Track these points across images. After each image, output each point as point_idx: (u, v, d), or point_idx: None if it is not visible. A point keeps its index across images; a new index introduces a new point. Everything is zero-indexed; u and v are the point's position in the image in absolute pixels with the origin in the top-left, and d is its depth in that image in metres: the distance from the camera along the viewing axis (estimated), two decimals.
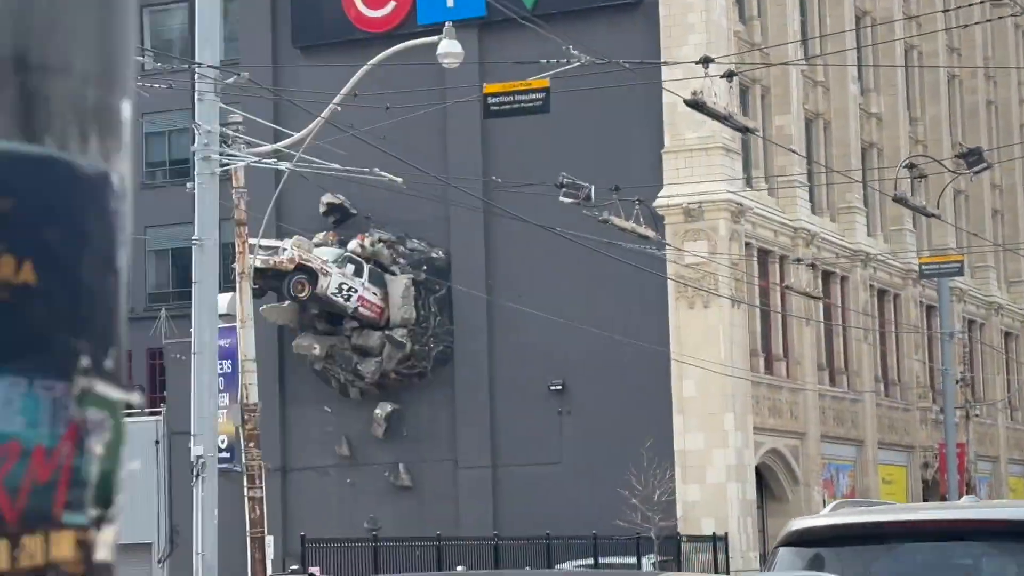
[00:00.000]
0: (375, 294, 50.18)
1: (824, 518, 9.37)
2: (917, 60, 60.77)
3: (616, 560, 41.44)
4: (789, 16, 51.97)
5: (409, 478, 51.22)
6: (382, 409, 51.20)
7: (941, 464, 47.33)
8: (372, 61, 29.53)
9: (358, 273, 49.88)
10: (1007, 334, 67.29)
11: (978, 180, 50.01)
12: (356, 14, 48.92)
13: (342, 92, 29.10)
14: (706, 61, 30.45)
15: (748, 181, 49.53)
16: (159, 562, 47.71)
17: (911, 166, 45.44)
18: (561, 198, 34.61)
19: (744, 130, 36.46)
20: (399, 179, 31.71)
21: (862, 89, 57.27)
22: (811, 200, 52.75)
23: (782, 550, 8.91)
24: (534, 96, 29.87)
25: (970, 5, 49.80)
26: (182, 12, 62.38)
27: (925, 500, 51.17)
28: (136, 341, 56.22)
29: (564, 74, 29.76)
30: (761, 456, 49.02)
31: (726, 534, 44.63)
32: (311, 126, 29.27)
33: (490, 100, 30.58)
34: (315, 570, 36.11)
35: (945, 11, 58.32)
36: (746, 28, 50.11)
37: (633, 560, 41.17)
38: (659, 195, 46.28)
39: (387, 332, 50.87)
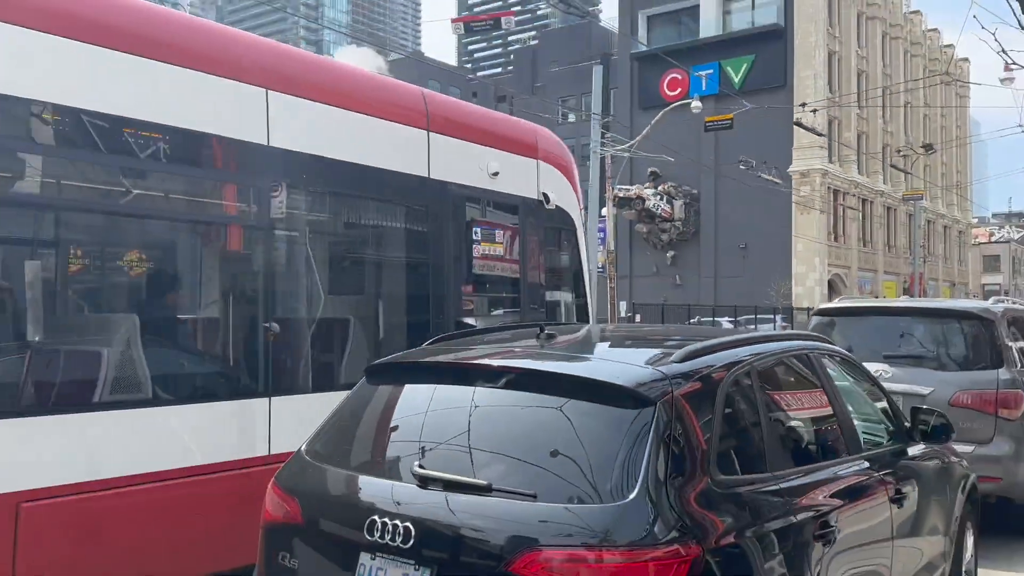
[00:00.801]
0: (668, 208, 51.95)
1: (835, 304, 8.81)
2: (889, 96, 55.67)
3: (763, 316, 40.05)
4: (850, 72, 51.45)
5: (680, 280, 52.61)
6: (670, 253, 53.67)
7: (911, 282, 44.98)
8: (663, 111, 29.48)
9: (661, 199, 51.72)
10: (945, 227, 64.98)
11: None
12: (663, 92, 49.36)
13: (650, 124, 29.02)
14: (803, 105, 32.23)
15: (831, 159, 49.26)
16: None
17: (897, 151, 48.87)
18: (740, 167, 37.55)
19: (820, 135, 36.22)
20: (672, 159, 33.27)
21: (883, 119, 55.08)
22: (858, 166, 52.39)
23: (814, 317, 8.57)
24: (726, 122, 30.88)
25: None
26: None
27: None
28: None
29: (742, 112, 30.26)
30: (831, 275, 49.37)
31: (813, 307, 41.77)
32: (637, 138, 30.09)
33: (707, 124, 31.85)
34: (638, 316, 37.51)
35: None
36: (835, 89, 49.36)
37: (772, 316, 40.07)
38: (791, 167, 47.79)
39: (672, 222, 52.46)
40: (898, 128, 57.27)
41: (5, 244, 4.25)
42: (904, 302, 9.39)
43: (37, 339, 4.26)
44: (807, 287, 48.46)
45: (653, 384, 3.06)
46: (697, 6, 53.57)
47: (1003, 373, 7.31)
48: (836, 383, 4.29)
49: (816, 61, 49.40)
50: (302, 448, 3.50)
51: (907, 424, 4.85)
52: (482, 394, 3.22)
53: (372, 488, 3.13)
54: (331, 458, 3.35)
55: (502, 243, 7.28)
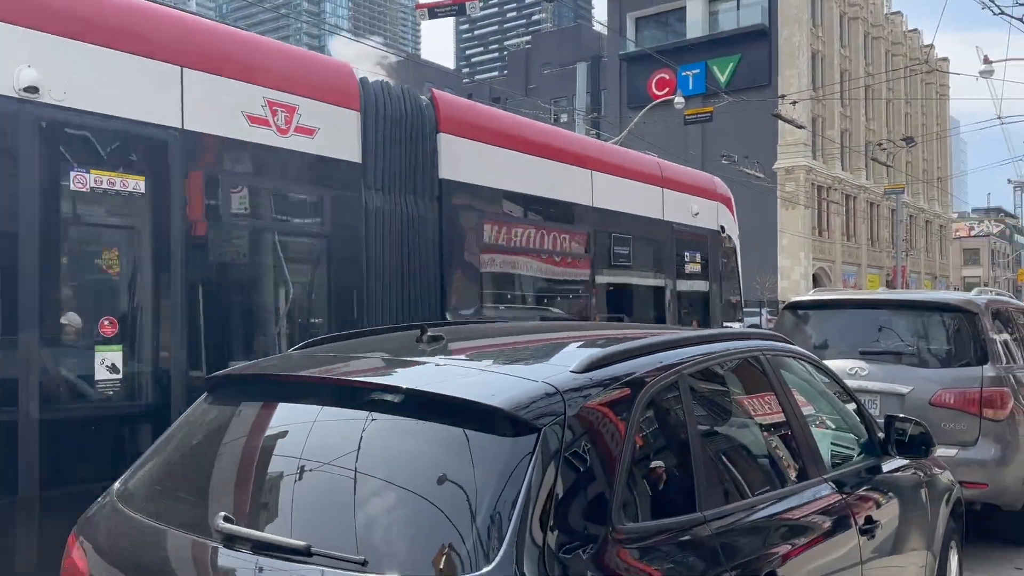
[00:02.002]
0: None
1: (807, 297, 8.02)
2: (872, 94, 56.38)
3: (749, 310, 36.46)
4: (833, 72, 49.66)
5: None
6: None
7: (893, 275, 45.19)
8: (645, 108, 29.96)
9: None
10: (927, 222, 64.30)
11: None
12: (651, 92, 42.37)
13: (635, 119, 29.59)
14: (782, 97, 32.28)
15: (814, 156, 48.48)
16: None
17: (878, 144, 46.62)
18: (723, 162, 36.10)
19: (800, 126, 34.17)
20: (658, 156, 36.07)
21: (865, 116, 54.23)
22: (841, 163, 51.32)
23: (785, 311, 7.87)
24: (706, 115, 30.07)
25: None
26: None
27: None
28: None
29: (722, 106, 31.42)
30: (815, 269, 48.70)
31: None
32: (622, 134, 28.65)
33: (687, 118, 30.68)
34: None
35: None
36: (818, 87, 47.76)
37: (757, 310, 37.79)
38: (776, 164, 46.85)
39: None
40: (880, 126, 56.69)
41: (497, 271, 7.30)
42: (882, 294, 8.59)
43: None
44: (792, 280, 48.14)
45: (538, 403, 2.22)
46: (684, 8, 53.12)
47: (988, 370, 6.59)
48: (795, 391, 3.44)
49: (800, 60, 48.85)
50: (114, 486, 2.69)
51: (881, 435, 4.03)
52: (326, 418, 2.41)
53: (169, 547, 2.30)
54: (138, 501, 2.51)
55: (699, 262, 10.02)
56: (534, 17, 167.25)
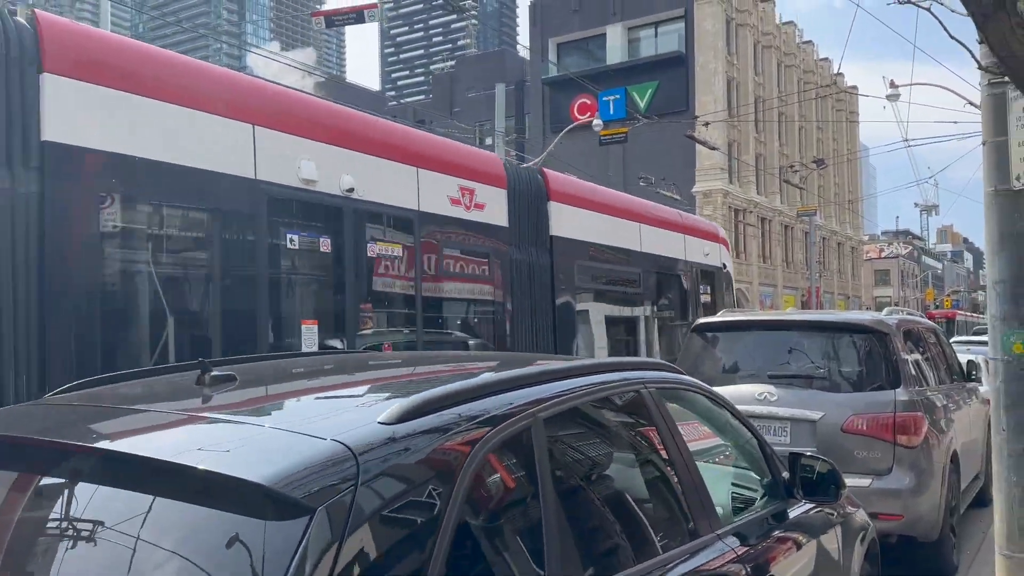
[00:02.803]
0: None
1: (715, 318, 7.55)
2: (782, 117, 59.05)
3: None
4: (748, 98, 51.07)
5: None
6: None
7: (807, 295, 45.47)
8: (565, 130, 30.87)
9: None
10: (839, 244, 65.80)
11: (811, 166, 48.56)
12: (573, 116, 42.51)
13: (555, 140, 29.93)
14: (695, 117, 33.78)
15: (731, 180, 49.15)
16: None
17: (790, 167, 48.52)
18: (641, 184, 36.70)
19: (713, 147, 34.92)
20: (579, 178, 36.17)
21: (779, 141, 55.85)
22: (756, 186, 52.06)
23: (692, 334, 7.38)
24: (621, 135, 31.37)
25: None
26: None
27: None
28: None
29: (641, 130, 32.13)
30: (733, 291, 52.24)
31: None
32: (542, 155, 28.66)
33: (602, 138, 31.87)
34: None
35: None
36: (733, 113, 49.22)
37: None
38: (694, 188, 47.33)
39: None
40: (793, 150, 57.94)
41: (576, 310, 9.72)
42: (791, 315, 8.15)
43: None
44: None
45: (319, 471, 1.62)
46: (604, 34, 53.55)
47: (900, 393, 6.24)
48: (685, 431, 2.93)
49: (716, 87, 49.60)
50: None
51: (786, 475, 3.57)
52: (53, 491, 1.82)
53: None
54: None
55: (710, 294, 12.19)
56: (459, 42, 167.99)
